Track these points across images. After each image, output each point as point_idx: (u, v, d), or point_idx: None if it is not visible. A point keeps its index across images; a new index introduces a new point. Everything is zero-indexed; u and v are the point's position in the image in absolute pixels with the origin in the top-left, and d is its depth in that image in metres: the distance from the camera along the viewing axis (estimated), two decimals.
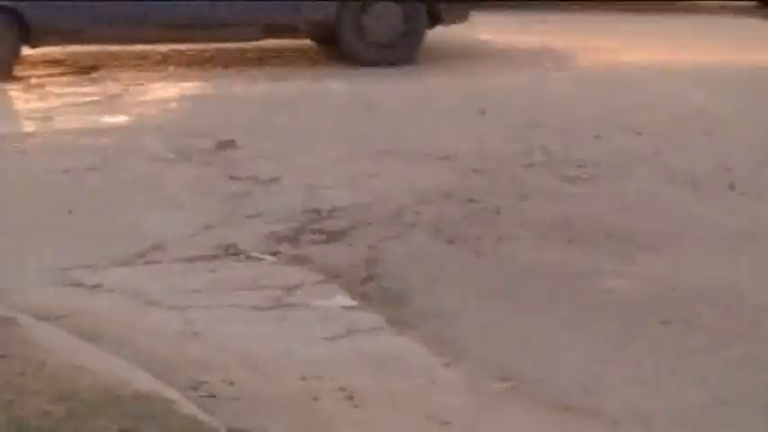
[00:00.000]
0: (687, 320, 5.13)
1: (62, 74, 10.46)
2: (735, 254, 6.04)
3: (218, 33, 11.24)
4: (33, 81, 10.10)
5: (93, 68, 10.63)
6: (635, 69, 10.72)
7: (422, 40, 11.33)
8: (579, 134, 8.29)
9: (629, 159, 7.69)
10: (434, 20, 11.36)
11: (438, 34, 11.59)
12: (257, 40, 11.40)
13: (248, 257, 5.95)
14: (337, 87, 10.00)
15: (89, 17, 10.71)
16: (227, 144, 7.91)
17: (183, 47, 11.61)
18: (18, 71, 10.46)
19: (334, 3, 10.99)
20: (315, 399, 4.31)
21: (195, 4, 10.80)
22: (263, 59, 11.36)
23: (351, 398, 4.33)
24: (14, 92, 9.74)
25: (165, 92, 9.78)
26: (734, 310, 5.28)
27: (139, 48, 11.45)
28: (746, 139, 8.30)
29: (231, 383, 4.37)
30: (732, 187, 7.12)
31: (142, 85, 10.01)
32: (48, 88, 9.84)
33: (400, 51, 11.25)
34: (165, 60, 11.22)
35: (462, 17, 11.59)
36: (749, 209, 6.78)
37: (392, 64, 11.02)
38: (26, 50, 10.68)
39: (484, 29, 12.44)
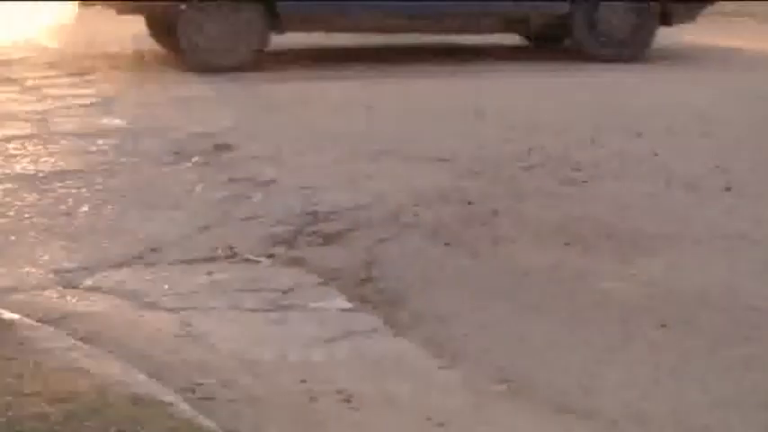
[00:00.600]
0: (685, 322, 5.13)
1: (58, 76, 10.45)
2: (733, 255, 6.03)
3: (455, 25, 11.42)
4: (29, 83, 10.08)
5: (90, 70, 10.61)
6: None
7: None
8: (577, 136, 8.32)
9: (627, 161, 7.72)
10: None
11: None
12: (492, 32, 11.61)
13: (245, 260, 5.94)
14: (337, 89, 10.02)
15: (335, 6, 11.01)
16: (225, 146, 7.92)
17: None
18: (13, 73, 10.50)
19: None
20: (312, 400, 4.31)
21: None
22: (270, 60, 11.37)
23: (348, 400, 4.32)
24: (11, 94, 9.73)
25: (164, 94, 9.76)
26: (732, 311, 5.28)
27: (136, 49, 11.50)
28: (744, 142, 8.33)
29: (228, 385, 4.37)
30: (729, 189, 7.12)
31: (139, 87, 10.00)
32: (44, 90, 9.83)
33: (630, 49, 11.43)
34: (165, 62, 11.23)
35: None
36: (746, 211, 6.78)
37: (621, 61, 11.16)
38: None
39: None
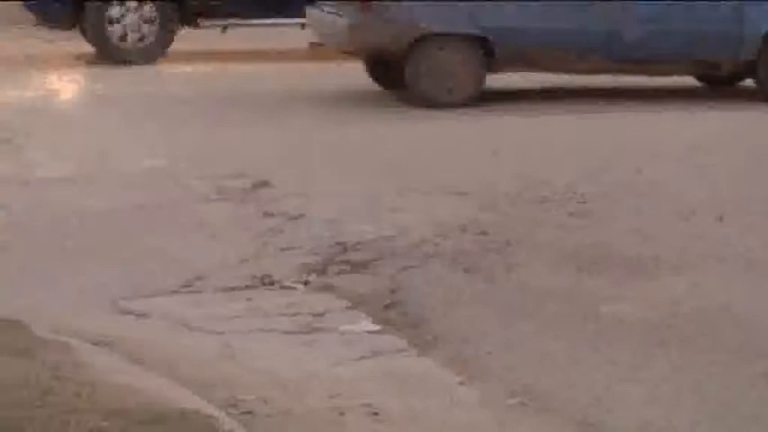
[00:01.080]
0: (684, 341, 5.16)
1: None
2: (729, 280, 6.06)
3: (653, 69, 11.43)
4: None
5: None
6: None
7: None
8: (584, 170, 8.33)
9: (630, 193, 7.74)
10: None
11: None
12: (682, 75, 11.64)
13: (281, 287, 5.99)
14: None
15: (548, 44, 10.99)
16: (263, 184, 7.94)
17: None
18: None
19: (759, 40, 11.10)
20: (341, 414, 4.36)
21: (638, 39, 11.02)
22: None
23: (375, 414, 4.38)
24: (69, 134, 9.74)
25: (209, 134, 9.75)
26: (728, 332, 5.29)
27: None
28: (736, 173, 8.34)
29: (265, 401, 4.42)
30: (721, 219, 7.12)
31: (187, 126, 9.98)
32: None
33: None
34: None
35: None
36: (738, 239, 6.78)
37: None
38: None
39: None
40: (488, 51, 10.93)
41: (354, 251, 6.51)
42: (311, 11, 11.95)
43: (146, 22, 13.52)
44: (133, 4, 13.46)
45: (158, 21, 13.55)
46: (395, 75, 11.34)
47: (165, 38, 13.67)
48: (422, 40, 10.88)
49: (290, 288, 5.98)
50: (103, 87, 12.19)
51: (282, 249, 6.58)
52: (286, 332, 5.39)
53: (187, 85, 12.24)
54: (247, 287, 5.98)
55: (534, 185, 7.86)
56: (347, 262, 6.34)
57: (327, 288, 5.96)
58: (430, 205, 7.45)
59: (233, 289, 5.95)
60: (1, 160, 8.78)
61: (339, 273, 6.20)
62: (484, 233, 6.83)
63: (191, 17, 13.84)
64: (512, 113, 10.63)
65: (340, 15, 11.11)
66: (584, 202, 7.47)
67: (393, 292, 5.88)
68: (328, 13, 11.42)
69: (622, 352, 5.04)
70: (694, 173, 8.28)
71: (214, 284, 6.01)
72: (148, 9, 13.51)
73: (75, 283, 6.04)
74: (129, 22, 13.45)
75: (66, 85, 12.54)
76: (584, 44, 11.06)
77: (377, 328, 5.42)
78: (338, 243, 6.62)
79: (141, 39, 13.56)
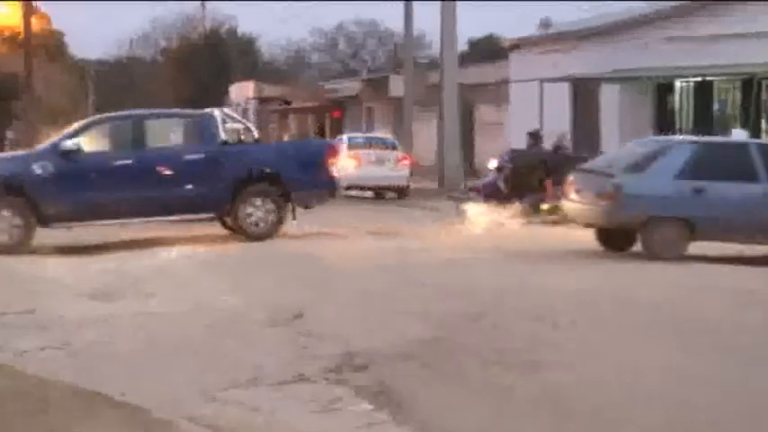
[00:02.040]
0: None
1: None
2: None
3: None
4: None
5: None
6: None
7: None
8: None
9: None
10: None
11: None
12: None
13: (311, 381, 6.02)
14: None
15: (737, 227, 10.96)
16: (299, 314, 7.94)
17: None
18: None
19: None
20: None
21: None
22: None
23: None
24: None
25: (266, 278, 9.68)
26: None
27: None
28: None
29: None
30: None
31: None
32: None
33: None
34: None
35: None
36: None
37: None
38: None
39: None
40: (691, 228, 11.08)
41: (358, 357, 6.52)
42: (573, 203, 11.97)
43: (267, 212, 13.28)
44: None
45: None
46: (620, 240, 11.57)
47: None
48: (650, 219, 11.10)
49: (315, 382, 6.01)
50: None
51: (312, 357, 6.59)
52: (311, 411, 5.44)
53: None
54: (288, 381, 5.99)
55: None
56: (354, 365, 6.37)
57: (341, 382, 5.99)
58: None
59: (280, 383, 5.96)
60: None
61: (349, 371, 6.20)
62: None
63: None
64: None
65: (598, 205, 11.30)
66: None
67: (384, 384, 5.91)
68: (588, 205, 11.55)
69: None
70: None
71: (267, 380, 6.01)
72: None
73: (171, 377, 6.10)
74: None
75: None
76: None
77: (372, 407, 5.48)
78: (347, 352, 6.64)
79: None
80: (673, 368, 6.24)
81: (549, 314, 7.77)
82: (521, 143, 20.79)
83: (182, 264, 11.09)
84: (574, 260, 11.31)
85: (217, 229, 13.82)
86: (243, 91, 48.38)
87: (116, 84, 53.71)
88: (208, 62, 50.28)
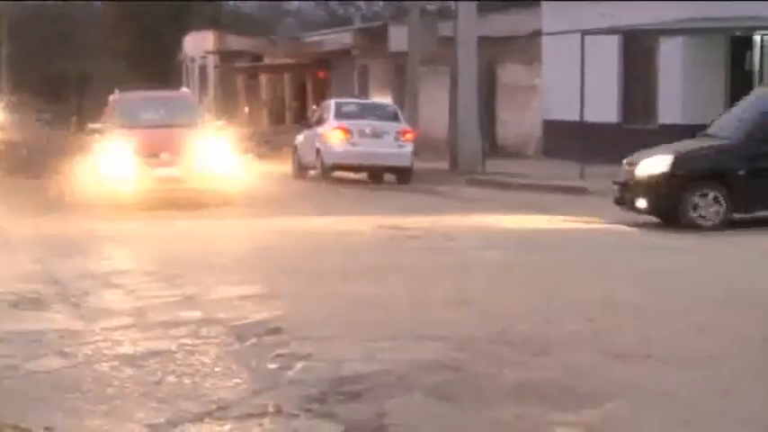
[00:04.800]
0: None
1: (153, 280, 10.61)
2: (658, 411, 6.17)
3: None
4: (130, 288, 10.20)
5: (177, 276, 10.77)
6: None
7: None
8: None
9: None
10: None
11: None
12: None
13: (288, 414, 6.11)
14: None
15: None
16: (275, 330, 8.08)
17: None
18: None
19: None
20: None
21: None
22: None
23: None
24: (114, 295, 9.90)
25: (232, 292, 9.87)
26: None
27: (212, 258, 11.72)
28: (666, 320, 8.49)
29: None
30: (650, 356, 7.28)
31: (216, 286, 10.13)
32: (141, 292, 9.95)
33: None
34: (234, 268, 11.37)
35: None
36: (665, 373, 6.93)
37: None
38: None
39: None
40: None
41: (350, 384, 6.64)
42: None
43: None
44: None
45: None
46: None
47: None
48: None
49: (295, 415, 6.09)
50: None
51: (290, 383, 6.72)
52: None
53: None
54: (261, 414, 6.09)
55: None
56: (343, 393, 6.46)
57: (327, 415, 6.08)
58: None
59: (249, 417, 6.06)
60: None
61: (337, 402, 6.30)
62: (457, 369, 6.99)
63: None
64: None
65: None
66: None
67: (381, 417, 6.01)
68: None
69: None
70: None
71: (234, 413, 6.12)
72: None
73: (118, 413, 6.18)
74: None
75: None
76: None
77: None
78: (337, 378, 6.77)
79: None
80: None
81: None
82: (556, 112, 20.79)
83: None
84: None
85: None
86: (200, 43, 48.35)
87: (41, 33, 53.63)
88: (158, 6, 50.30)
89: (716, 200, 15.12)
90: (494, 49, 29.70)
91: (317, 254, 12.31)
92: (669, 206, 15.32)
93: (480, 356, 7.30)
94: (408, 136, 24.39)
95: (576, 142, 22.89)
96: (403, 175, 24.11)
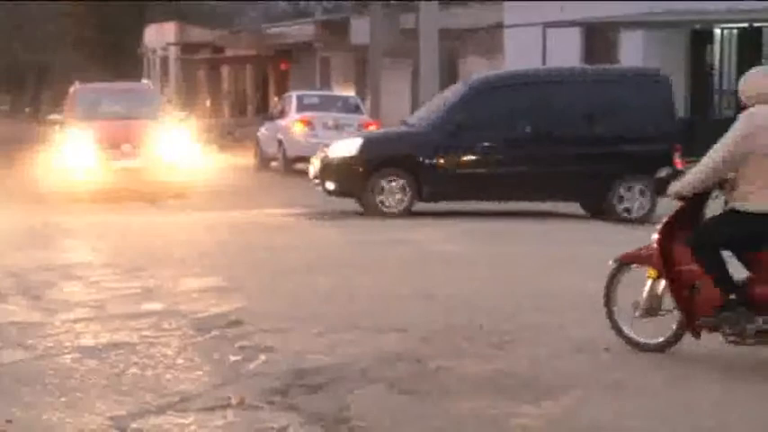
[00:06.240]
0: None
1: (113, 273, 10.56)
2: (615, 399, 6.26)
3: None
4: (90, 280, 10.17)
5: (139, 269, 10.74)
6: None
7: None
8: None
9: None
10: None
11: None
12: None
13: (251, 406, 6.13)
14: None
15: None
16: (237, 322, 8.09)
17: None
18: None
19: None
20: None
21: None
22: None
23: None
24: (74, 288, 9.86)
25: (194, 285, 9.86)
26: None
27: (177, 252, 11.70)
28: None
29: None
30: (608, 350, 7.34)
31: (178, 279, 10.11)
32: (102, 284, 9.93)
33: None
34: (199, 262, 11.37)
35: None
36: (620, 364, 7.01)
37: None
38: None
39: None
40: None
41: (312, 376, 6.68)
42: None
43: None
44: None
45: None
46: None
47: None
48: None
49: (258, 407, 6.12)
50: None
51: (252, 375, 6.74)
52: None
53: None
54: (223, 407, 6.11)
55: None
56: (306, 385, 6.50)
57: (289, 407, 6.12)
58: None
59: (211, 409, 6.09)
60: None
61: (299, 394, 6.35)
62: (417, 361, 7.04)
63: None
64: None
65: None
66: None
67: (343, 410, 6.05)
68: None
69: None
70: None
71: (196, 405, 6.15)
72: None
73: (81, 405, 6.18)
74: None
75: None
76: None
77: None
78: (299, 369, 6.81)
79: None
80: None
81: None
82: None
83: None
84: None
85: None
86: (162, 35, 48.13)
87: None
88: None
89: (400, 186, 15.17)
90: (455, 42, 29.84)
91: (278, 247, 12.30)
92: (355, 189, 15.36)
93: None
94: (371, 128, 24.46)
95: None
96: None
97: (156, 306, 8.85)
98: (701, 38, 24.16)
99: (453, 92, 16.72)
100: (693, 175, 6.92)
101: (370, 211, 15.15)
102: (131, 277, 10.20)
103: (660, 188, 7.17)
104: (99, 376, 6.78)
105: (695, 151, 24.13)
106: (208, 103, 47.04)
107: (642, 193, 15.42)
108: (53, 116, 20.34)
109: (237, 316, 8.32)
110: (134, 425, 5.83)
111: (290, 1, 48.17)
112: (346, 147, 15.75)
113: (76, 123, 18.89)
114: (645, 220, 15.06)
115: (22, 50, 51.49)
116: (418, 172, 15.23)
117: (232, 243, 12.62)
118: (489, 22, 29.73)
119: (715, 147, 6.86)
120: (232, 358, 7.15)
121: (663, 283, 7.13)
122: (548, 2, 25.47)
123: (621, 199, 15.54)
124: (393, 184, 15.16)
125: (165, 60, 50.02)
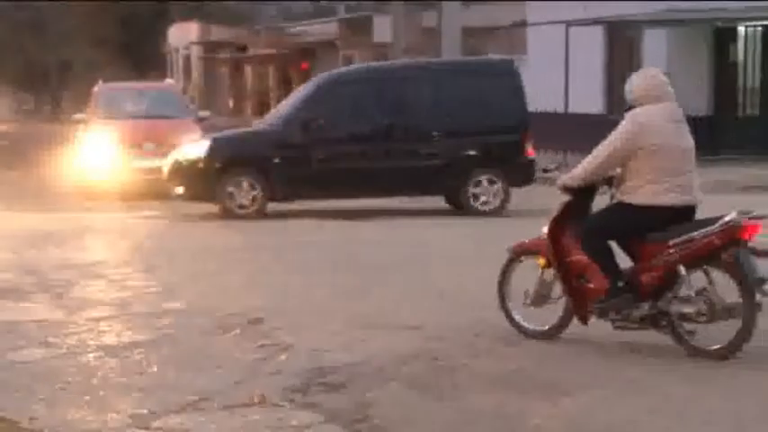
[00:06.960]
0: None
1: (135, 271, 10.63)
2: (631, 397, 6.26)
3: None
4: (112, 278, 10.25)
5: (159, 267, 10.81)
6: None
7: None
8: None
9: None
10: None
11: None
12: None
13: (271, 404, 6.20)
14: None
15: None
16: (257, 321, 8.16)
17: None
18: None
19: None
20: None
21: None
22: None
23: None
24: (96, 286, 9.95)
25: (215, 281, 9.94)
26: None
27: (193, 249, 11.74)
28: None
29: None
30: (632, 350, 7.26)
31: (198, 278, 10.17)
32: (124, 282, 10.01)
33: None
34: (216, 258, 11.42)
35: None
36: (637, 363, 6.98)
37: None
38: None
39: None
40: None
41: (331, 374, 6.74)
42: None
43: None
44: None
45: None
46: None
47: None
48: None
49: (278, 405, 6.18)
50: None
51: (272, 374, 6.80)
52: None
53: None
54: (244, 405, 6.18)
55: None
56: (325, 384, 6.56)
57: (309, 405, 6.17)
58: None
59: (232, 407, 6.15)
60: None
61: (318, 392, 6.41)
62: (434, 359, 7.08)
63: None
64: None
65: None
66: None
67: (362, 408, 6.10)
68: None
69: None
70: None
71: (217, 404, 6.22)
72: None
73: (103, 403, 6.27)
74: None
75: None
76: None
77: None
78: (317, 368, 6.87)
79: None
80: None
81: None
82: (540, 103, 20.83)
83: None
84: None
85: None
86: (184, 34, 48.25)
87: (15, 22, 53.18)
88: None
89: (252, 187, 14.89)
90: (477, 41, 29.84)
91: (298, 245, 12.35)
92: (204, 194, 14.96)
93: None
94: None
95: (560, 133, 22.98)
96: None
97: (176, 305, 8.92)
98: (724, 35, 24.06)
99: (302, 88, 16.42)
100: (581, 169, 7.30)
101: (226, 213, 14.90)
102: (152, 276, 10.28)
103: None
104: (121, 374, 6.86)
105: (719, 148, 24.03)
106: (230, 102, 47.11)
107: (492, 183, 15.43)
108: (77, 115, 20.47)
109: (258, 314, 8.38)
110: (156, 423, 5.90)
111: (312, 1, 48.21)
112: (195, 149, 15.34)
113: (100, 123, 19.03)
114: (497, 213, 15.17)
115: (45, 50, 51.70)
116: (269, 171, 14.93)
117: (253, 242, 12.69)
118: (511, 20, 29.73)
119: (603, 143, 7.23)
120: (253, 356, 7.20)
121: (553, 272, 7.45)
122: (570, 1, 25.44)
123: (476, 192, 15.47)
124: (244, 184, 14.90)
125: (187, 59, 50.16)
